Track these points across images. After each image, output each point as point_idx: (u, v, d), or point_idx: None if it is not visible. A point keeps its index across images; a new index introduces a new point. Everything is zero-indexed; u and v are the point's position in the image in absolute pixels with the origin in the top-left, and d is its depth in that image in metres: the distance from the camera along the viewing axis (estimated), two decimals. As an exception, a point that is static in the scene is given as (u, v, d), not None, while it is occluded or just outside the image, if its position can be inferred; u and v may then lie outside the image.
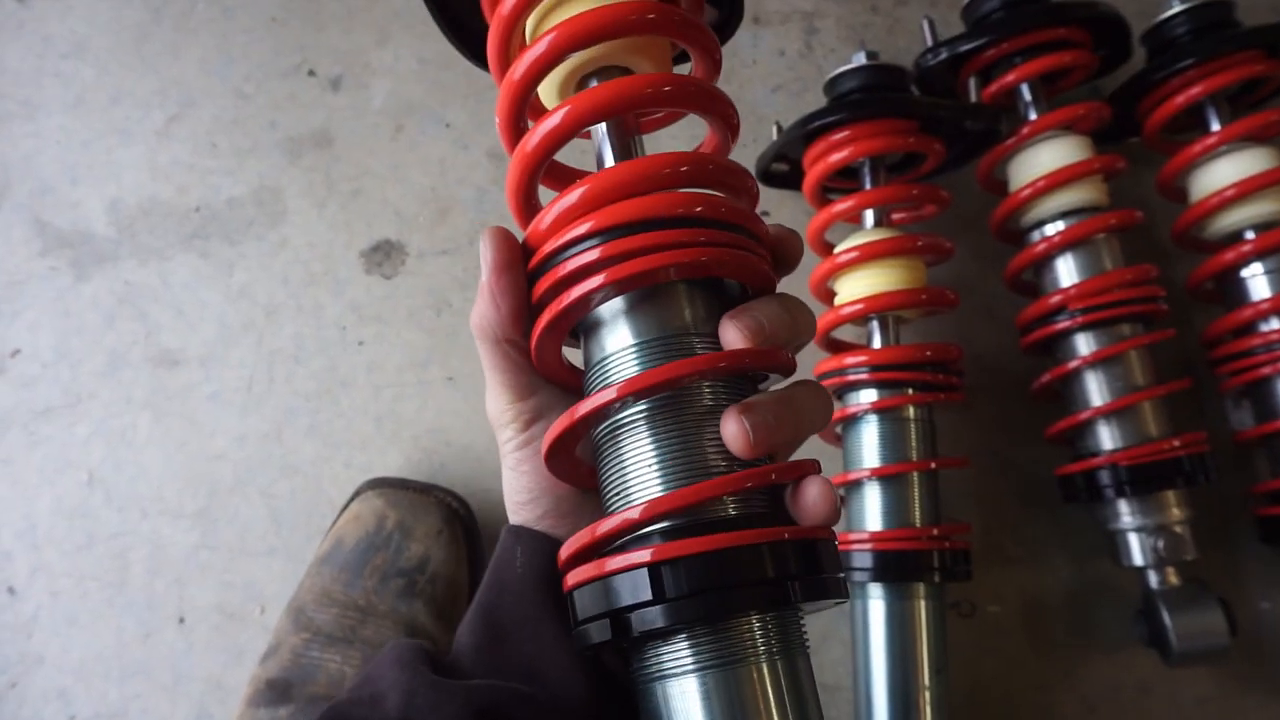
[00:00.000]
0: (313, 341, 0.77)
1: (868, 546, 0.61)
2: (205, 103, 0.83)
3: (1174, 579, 0.64)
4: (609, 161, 0.38)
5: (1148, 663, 0.68)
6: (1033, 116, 0.70)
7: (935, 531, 0.61)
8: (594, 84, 0.38)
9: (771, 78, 0.83)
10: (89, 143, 0.82)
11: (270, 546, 0.73)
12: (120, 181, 0.82)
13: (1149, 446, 0.63)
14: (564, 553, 0.36)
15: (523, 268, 0.38)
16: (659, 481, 0.34)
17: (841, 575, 0.35)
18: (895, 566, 0.60)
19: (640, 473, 0.34)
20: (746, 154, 0.80)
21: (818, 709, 0.34)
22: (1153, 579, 0.65)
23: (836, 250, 0.66)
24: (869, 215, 0.68)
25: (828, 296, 0.69)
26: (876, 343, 0.66)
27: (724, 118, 0.38)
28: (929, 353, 0.63)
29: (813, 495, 0.35)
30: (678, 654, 0.33)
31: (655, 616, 0.31)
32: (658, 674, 0.33)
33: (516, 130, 0.38)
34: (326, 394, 0.76)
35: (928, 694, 0.60)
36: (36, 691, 0.69)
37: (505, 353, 0.39)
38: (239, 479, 0.74)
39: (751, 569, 0.32)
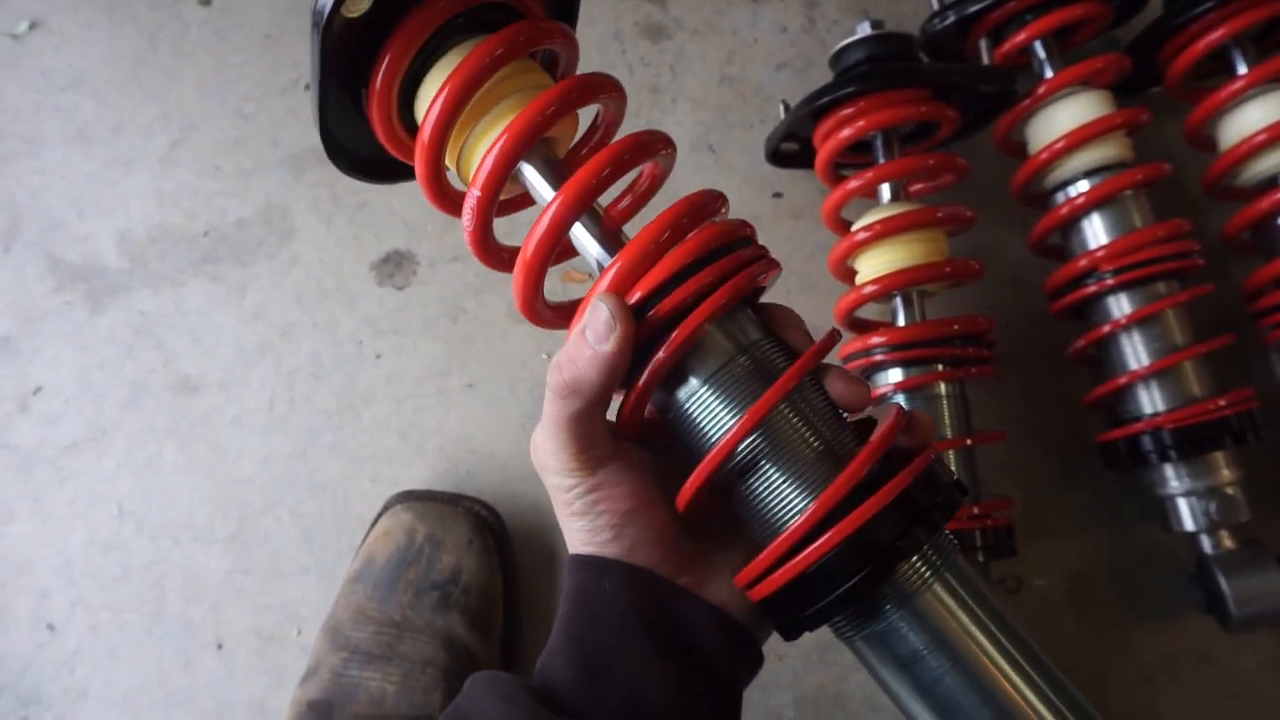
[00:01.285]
0: (330, 358, 0.76)
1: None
2: (206, 125, 0.83)
3: (1229, 542, 0.62)
4: (599, 254, 0.41)
5: (1204, 629, 0.66)
6: (1048, 74, 0.67)
7: (976, 510, 0.59)
8: (528, 168, 0.41)
9: (774, 55, 0.81)
10: (94, 175, 0.82)
11: (303, 566, 0.72)
12: (128, 211, 0.81)
13: (1194, 408, 0.61)
14: (749, 574, 0.38)
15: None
16: (804, 485, 0.37)
17: (954, 479, 0.39)
18: (937, 549, 0.58)
19: (792, 479, 0.37)
20: (754, 135, 0.78)
21: (996, 596, 0.38)
22: (1206, 544, 0.62)
23: (854, 228, 0.65)
24: (885, 189, 0.66)
25: (848, 276, 0.67)
26: (901, 320, 0.64)
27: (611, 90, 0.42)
28: (956, 326, 0.62)
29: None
30: (872, 616, 0.37)
31: (864, 583, 0.35)
32: (867, 632, 0.37)
33: (488, 248, 0.43)
34: (348, 410, 0.75)
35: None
36: (83, 726, 0.70)
37: (589, 412, 0.39)
38: (267, 501, 0.74)
39: (910, 511, 0.36)
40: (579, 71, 0.44)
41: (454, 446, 0.74)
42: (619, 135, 0.42)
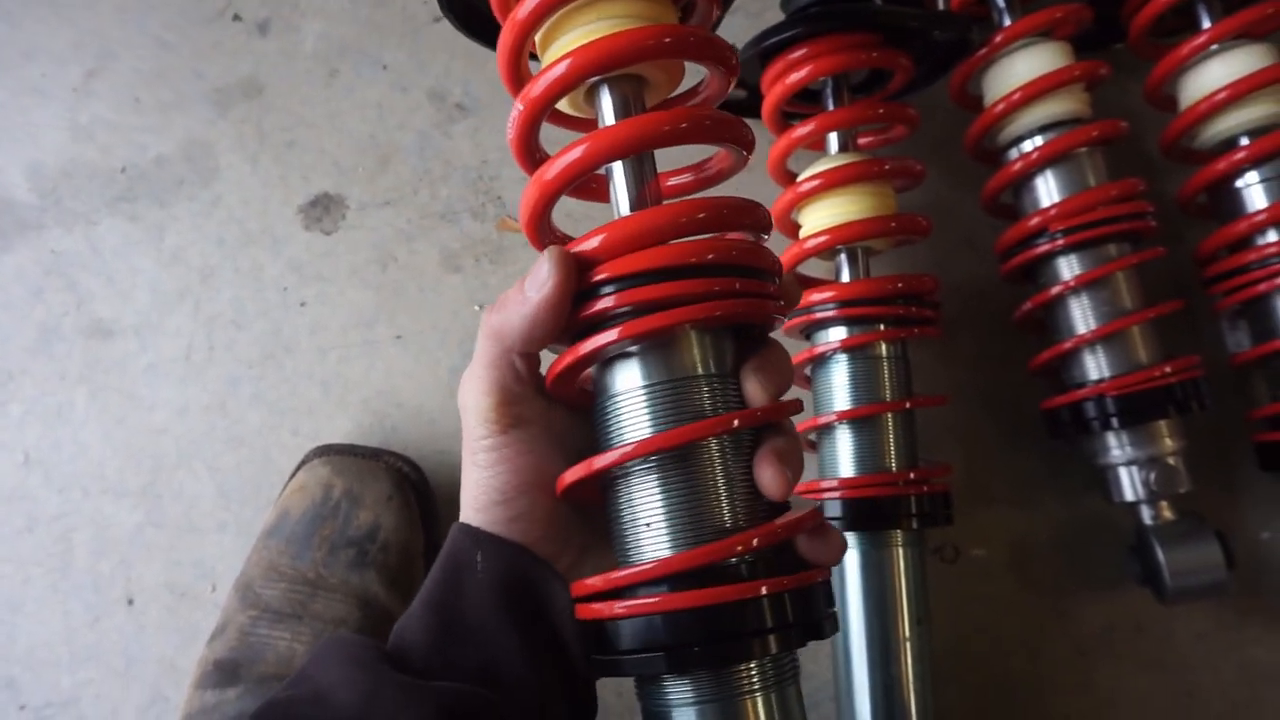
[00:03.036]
0: (252, 305, 0.73)
1: (839, 494, 0.57)
2: (125, 55, 0.78)
3: (1168, 513, 0.61)
4: (625, 206, 0.38)
5: (1142, 601, 0.65)
6: (1006, 23, 0.64)
7: (912, 475, 0.57)
8: (605, 92, 0.38)
9: (729, -2, 0.77)
10: (3, 103, 0.77)
11: (219, 521, 0.69)
12: (39, 143, 0.76)
13: (1139, 374, 0.59)
14: (580, 590, 0.37)
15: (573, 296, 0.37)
16: (672, 532, 0.35)
17: (834, 609, 0.37)
18: (869, 514, 0.57)
19: (655, 520, 0.36)
20: (705, 82, 0.75)
21: None
22: (1145, 514, 0.61)
23: (799, 179, 0.62)
24: (833, 139, 0.63)
25: (792, 229, 0.65)
26: (845, 276, 0.62)
27: (724, 63, 0.39)
28: (900, 285, 0.59)
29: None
30: (681, 689, 0.35)
31: (660, 664, 0.34)
32: (662, 704, 0.35)
33: (531, 154, 0.39)
34: (270, 359, 0.72)
35: (908, 646, 0.57)
36: (-17, 682, 0.67)
37: (512, 361, 0.39)
38: (182, 453, 0.70)
39: (752, 620, 0.34)
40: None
41: (379, 400, 0.71)
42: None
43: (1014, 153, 0.65)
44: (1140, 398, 0.58)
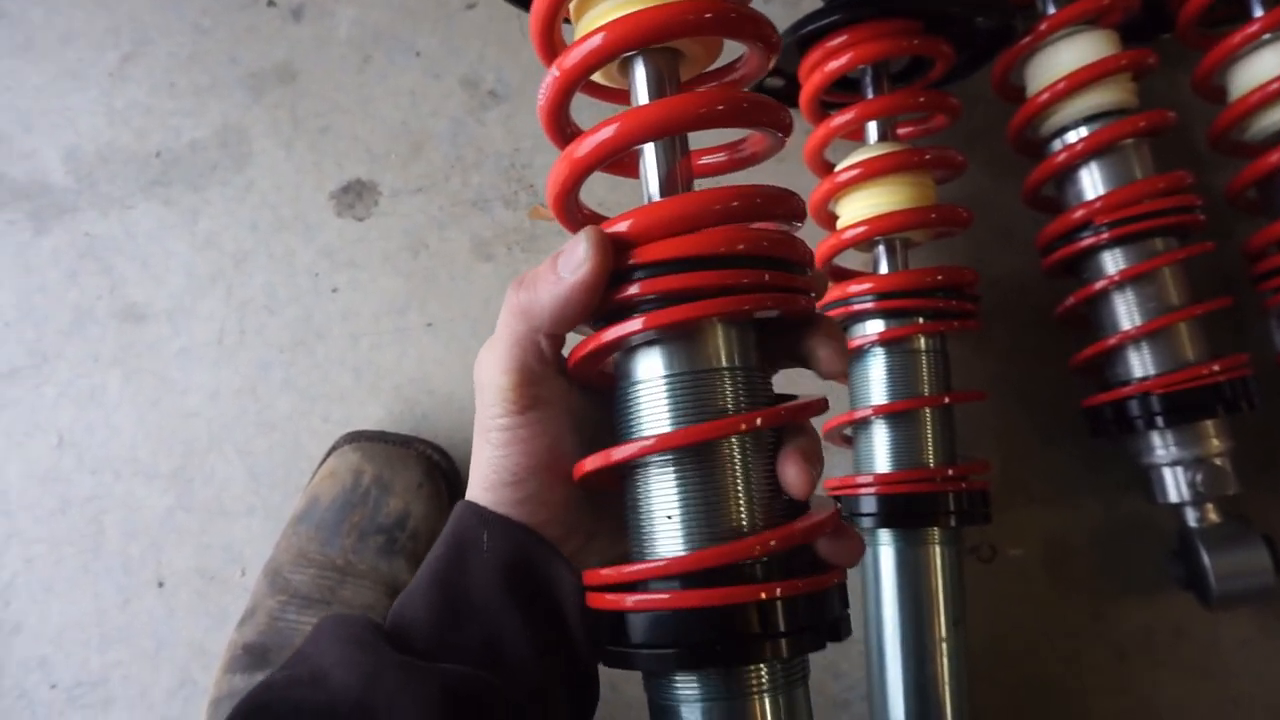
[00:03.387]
0: (285, 290, 0.73)
1: (874, 490, 0.56)
2: (161, 40, 0.78)
3: (1214, 515, 0.59)
4: (655, 187, 0.37)
5: (1183, 605, 0.63)
6: (1051, 10, 0.63)
7: (950, 472, 0.56)
8: (640, 65, 0.38)
9: (766, -14, 0.77)
10: (41, 88, 0.77)
11: (249, 506, 0.69)
12: (76, 128, 0.77)
13: (1186, 372, 0.57)
14: (592, 579, 0.36)
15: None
16: (688, 528, 0.34)
17: (848, 612, 0.37)
18: (905, 511, 0.55)
19: (672, 514, 0.35)
20: (741, 71, 0.74)
21: None
22: (1190, 516, 0.59)
23: (837, 169, 0.61)
24: (872, 129, 0.62)
25: (829, 220, 0.64)
26: (883, 268, 0.60)
27: (764, 39, 0.38)
28: (940, 277, 0.58)
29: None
30: (689, 684, 0.34)
31: (670, 661, 0.33)
32: (670, 699, 0.35)
33: (560, 126, 0.39)
34: (301, 345, 0.72)
35: (944, 646, 0.56)
36: (15, 660, 0.67)
37: (538, 341, 0.38)
38: (214, 437, 0.71)
39: (765, 623, 0.33)
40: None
41: (410, 387, 0.70)
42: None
43: (1057, 144, 0.63)
44: (1187, 396, 0.57)
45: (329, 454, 0.66)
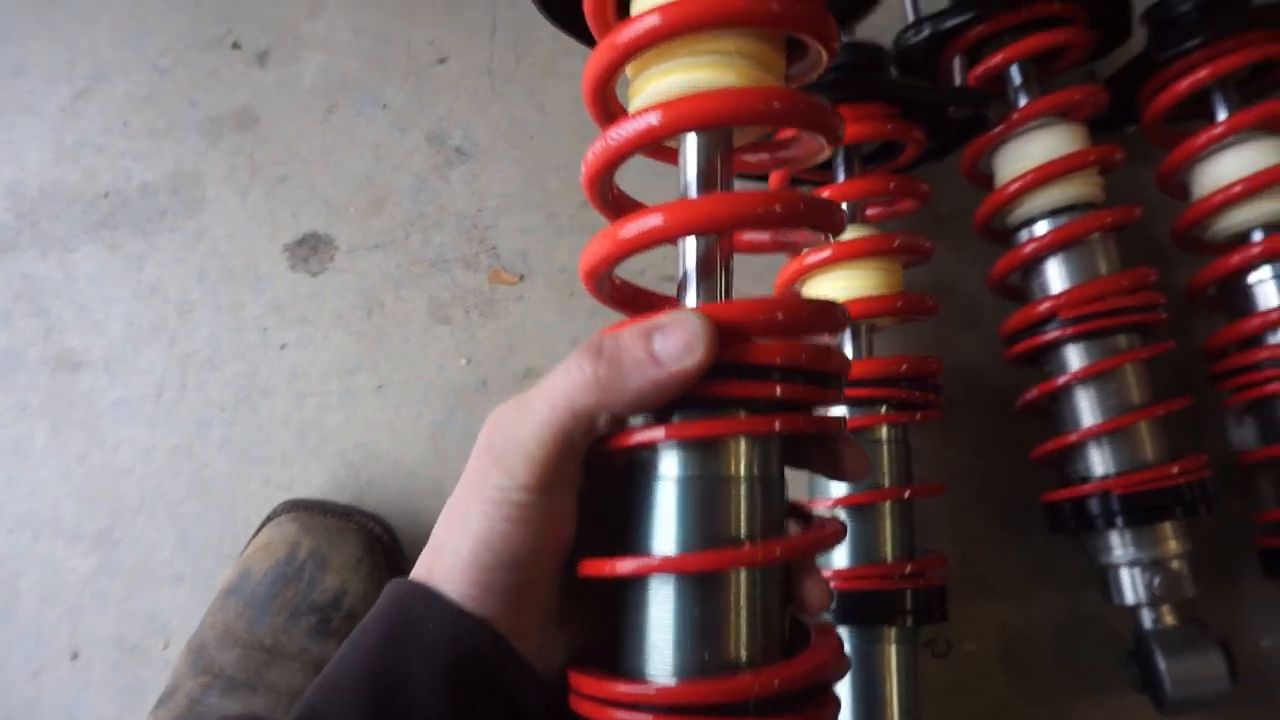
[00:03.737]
0: (230, 344, 0.70)
1: (831, 585, 0.54)
2: (118, 77, 0.76)
3: (1170, 618, 0.58)
4: (691, 296, 0.35)
5: (1138, 707, 0.62)
6: (1023, 102, 0.63)
7: (908, 569, 0.55)
8: (692, 141, 0.36)
9: (740, 58, 0.76)
10: (-14, 120, 0.74)
11: (177, 572, 0.66)
12: (21, 163, 0.74)
13: (1146, 473, 0.57)
14: (579, 683, 0.33)
15: None
16: (683, 653, 0.32)
17: None
18: (862, 609, 0.54)
19: (667, 634, 0.33)
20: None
21: None
22: (1146, 618, 0.58)
23: (805, 251, 0.60)
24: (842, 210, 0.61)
25: (795, 301, 0.63)
26: (847, 354, 0.59)
27: (830, 134, 0.36)
28: (904, 366, 0.57)
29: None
30: None
31: None
32: None
33: (602, 193, 0.38)
34: (244, 402, 0.69)
35: (897, 747, 0.54)
36: (-88, 733, 0.63)
37: (597, 418, 0.33)
38: (144, 497, 0.67)
39: None
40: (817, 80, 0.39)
41: (356, 452, 0.68)
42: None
43: (1024, 234, 0.63)
44: (1146, 497, 0.56)
45: (265, 523, 0.63)
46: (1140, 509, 0.56)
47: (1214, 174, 0.62)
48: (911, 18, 0.65)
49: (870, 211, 0.66)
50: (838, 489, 0.56)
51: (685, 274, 0.35)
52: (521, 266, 0.70)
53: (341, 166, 0.73)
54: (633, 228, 0.34)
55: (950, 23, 0.62)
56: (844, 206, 0.61)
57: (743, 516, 0.33)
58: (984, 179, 0.66)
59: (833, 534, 0.35)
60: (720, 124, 0.34)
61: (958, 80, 0.62)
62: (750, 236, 0.44)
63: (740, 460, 0.34)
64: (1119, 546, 0.58)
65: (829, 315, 0.35)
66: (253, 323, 0.70)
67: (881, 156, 0.66)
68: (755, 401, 0.33)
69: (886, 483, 0.56)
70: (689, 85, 0.34)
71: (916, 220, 0.70)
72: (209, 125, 0.75)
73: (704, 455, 0.33)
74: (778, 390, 0.33)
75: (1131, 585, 0.58)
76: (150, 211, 0.73)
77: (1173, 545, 0.57)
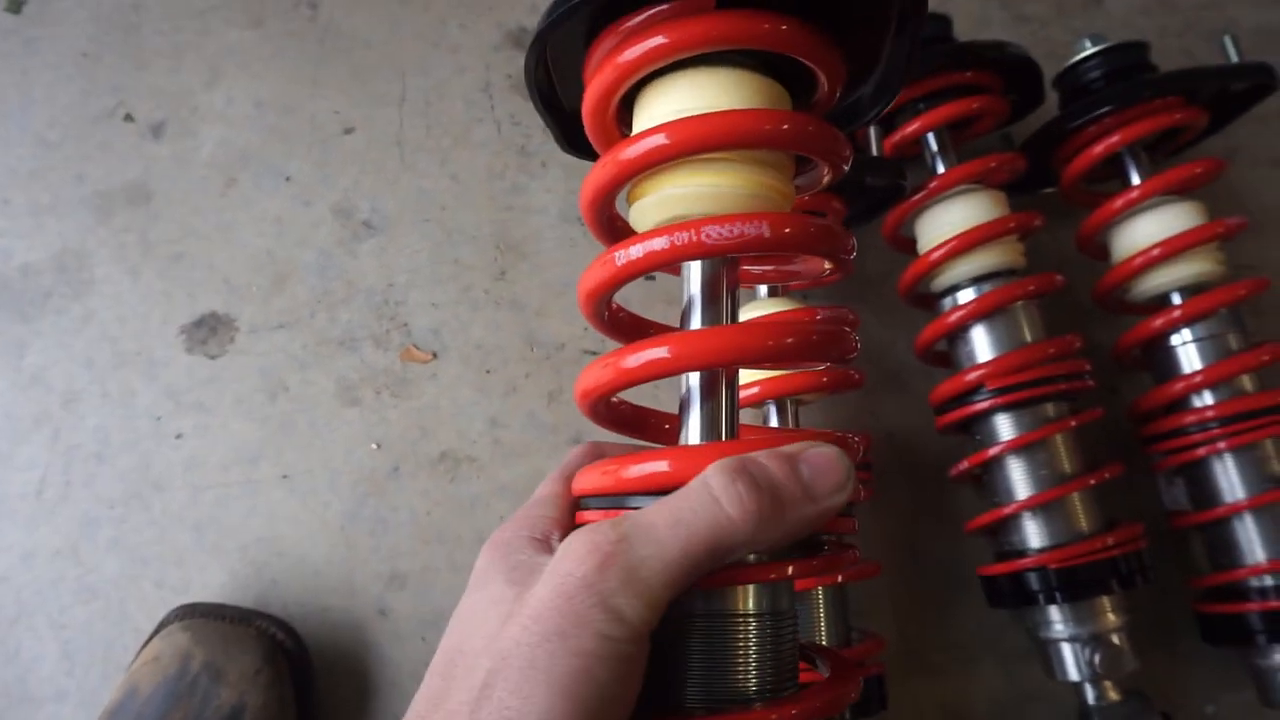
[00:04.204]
0: (120, 435, 0.65)
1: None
2: (-1, 152, 0.71)
3: (1113, 694, 0.56)
4: (695, 423, 0.33)
5: (1086, 784, 0.60)
6: (941, 169, 0.63)
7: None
8: (696, 269, 0.35)
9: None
10: None
11: (59, 690, 0.60)
12: (-110, 246, 0.68)
13: (1081, 545, 0.55)
14: None
15: None
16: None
17: None
18: (797, 705, 0.51)
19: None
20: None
21: None
22: (1089, 694, 0.57)
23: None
24: (762, 286, 0.60)
25: (719, 375, 0.60)
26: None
27: (838, 257, 0.35)
28: (831, 445, 0.55)
29: None
30: None
31: None
32: None
33: (599, 311, 0.36)
34: (135, 498, 0.64)
35: None
36: None
37: (724, 559, 0.30)
38: (23, 606, 0.61)
39: None
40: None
41: (259, 548, 0.63)
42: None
43: (949, 301, 0.62)
44: (1082, 572, 0.55)
45: (155, 632, 0.57)
46: (1077, 584, 0.55)
47: (1132, 237, 0.62)
48: (826, 85, 0.64)
49: (793, 283, 0.64)
50: (768, 576, 0.54)
51: (691, 421, 0.34)
52: (435, 343, 0.67)
53: (242, 242, 0.70)
54: (637, 358, 0.32)
55: (864, 92, 0.61)
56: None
57: (751, 659, 0.31)
58: (907, 244, 0.65)
59: (853, 688, 0.33)
60: (728, 252, 0.32)
61: (874, 149, 0.62)
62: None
63: (743, 594, 0.31)
64: (1058, 621, 0.57)
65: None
66: (145, 411, 0.65)
67: (802, 224, 0.64)
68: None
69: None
70: (694, 196, 0.33)
71: (841, 287, 0.68)
72: (98, 201, 0.70)
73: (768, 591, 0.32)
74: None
75: (1074, 661, 0.57)
76: (33, 294, 0.68)
77: (1111, 619, 0.56)
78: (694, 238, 0.31)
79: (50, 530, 0.63)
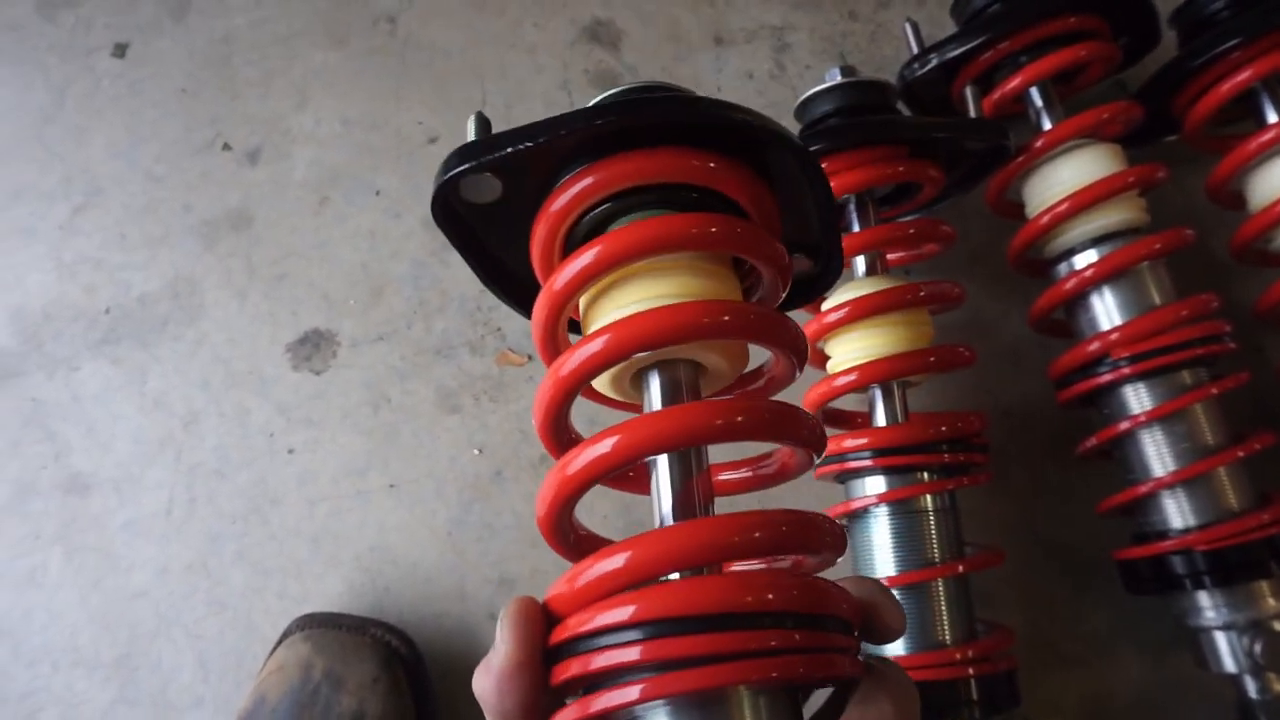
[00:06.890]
0: (237, 453, 0.67)
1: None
2: (113, 190, 0.75)
3: (1278, 686, 0.51)
4: (666, 510, 0.31)
5: (1251, 783, 0.55)
6: (1047, 125, 0.58)
7: (970, 652, 0.49)
8: (654, 377, 0.33)
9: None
10: (-13, 247, 0.74)
11: (197, 697, 0.63)
12: (24, 286, 0.73)
13: (1230, 525, 0.50)
14: None
15: (542, 655, 0.29)
16: None
17: None
18: (923, 705, 0.48)
19: None
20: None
21: None
22: (1250, 686, 0.52)
23: (824, 307, 0.55)
24: (859, 261, 0.57)
25: (820, 360, 0.58)
26: (880, 418, 0.54)
27: (791, 347, 0.33)
28: (944, 428, 0.52)
29: None
30: None
31: None
32: None
33: (557, 433, 0.34)
34: (255, 513, 0.66)
35: None
36: None
37: None
38: (162, 619, 0.65)
39: None
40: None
41: (372, 556, 0.64)
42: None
43: (1064, 267, 0.58)
44: (1235, 553, 0.50)
45: (280, 642, 0.59)
46: (1228, 567, 0.50)
47: (1271, 181, 0.56)
48: (915, 49, 0.61)
49: (892, 257, 0.61)
50: (884, 565, 0.51)
51: (657, 515, 0.32)
52: (528, 346, 0.67)
53: (338, 259, 0.71)
54: (581, 458, 0.30)
55: (957, 50, 0.57)
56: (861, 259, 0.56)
57: None
58: (1014, 210, 0.61)
59: None
60: (668, 340, 0.30)
61: (973, 110, 0.58)
62: (732, 476, 0.40)
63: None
64: (1210, 608, 0.52)
65: (814, 527, 0.30)
66: (258, 429, 0.68)
67: (899, 197, 0.61)
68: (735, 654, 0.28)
69: (936, 558, 0.51)
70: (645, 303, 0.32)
71: (944, 260, 0.65)
72: (204, 229, 0.73)
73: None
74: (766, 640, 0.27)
75: (1230, 651, 0.52)
76: (151, 322, 0.71)
77: (1272, 604, 0.51)
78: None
79: (181, 546, 0.66)
